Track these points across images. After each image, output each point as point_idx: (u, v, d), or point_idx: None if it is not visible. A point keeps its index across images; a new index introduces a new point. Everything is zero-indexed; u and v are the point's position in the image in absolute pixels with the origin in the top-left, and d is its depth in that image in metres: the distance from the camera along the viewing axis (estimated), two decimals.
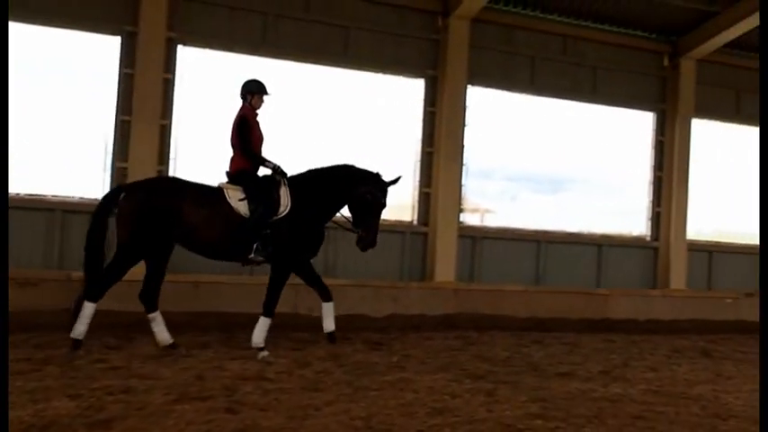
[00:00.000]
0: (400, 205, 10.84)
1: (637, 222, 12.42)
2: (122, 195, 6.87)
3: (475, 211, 11.50)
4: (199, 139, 9.70)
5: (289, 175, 7.23)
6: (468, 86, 10.88)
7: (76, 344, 6.49)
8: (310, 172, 7.38)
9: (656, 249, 12.27)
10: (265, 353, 6.84)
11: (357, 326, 8.83)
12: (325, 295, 7.44)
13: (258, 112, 7.38)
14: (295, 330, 8.03)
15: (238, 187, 7.05)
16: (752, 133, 12.99)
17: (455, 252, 10.65)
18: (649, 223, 12.38)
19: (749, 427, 5.19)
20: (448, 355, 7.45)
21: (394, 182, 7.31)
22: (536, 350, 8.15)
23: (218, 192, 7.03)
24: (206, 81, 9.87)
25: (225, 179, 7.20)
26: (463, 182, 10.94)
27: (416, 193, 10.92)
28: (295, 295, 8.20)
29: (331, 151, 10.42)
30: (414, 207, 10.93)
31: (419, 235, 10.82)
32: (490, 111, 11.33)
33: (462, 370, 6.72)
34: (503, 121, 11.46)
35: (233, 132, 7.24)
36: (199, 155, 9.63)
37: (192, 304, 8.34)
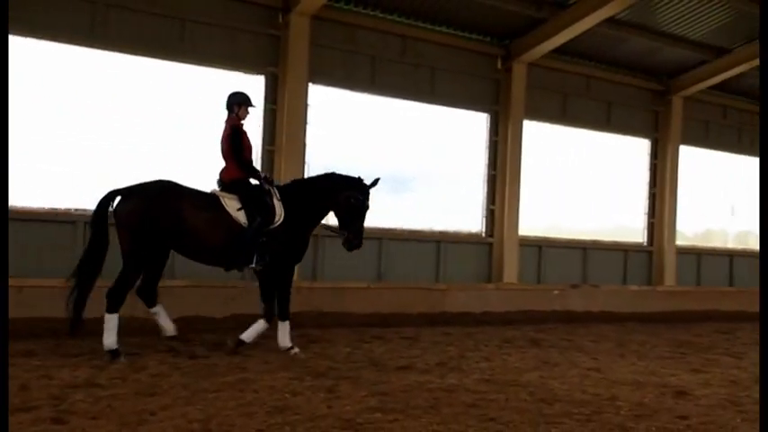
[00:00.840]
0: None
1: (473, 219, 12.92)
2: (118, 200, 6.96)
3: None
4: None
5: (276, 185, 7.65)
6: (310, 84, 10.82)
7: (115, 353, 6.64)
8: (297, 182, 8.00)
9: (490, 245, 12.84)
10: (296, 349, 7.42)
11: (196, 327, 8.52)
12: (281, 313, 7.56)
13: (243, 122, 7.60)
14: (131, 335, 7.60)
15: (234, 196, 7.30)
16: (577, 134, 13.95)
17: None
18: (484, 220, 12.92)
19: (572, 410, 5.52)
20: (289, 354, 7.36)
21: (374, 184, 7.71)
22: (377, 345, 8.24)
23: (214, 199, 7.27)
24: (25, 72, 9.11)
25: (216, 187, 7.49)
26: None
27: None
28: (131, 299, 7.74)
29: (166, 148, 10.03)
30: None
31: None
32: (332, 110, 11.34)
33: (304, 368, 6.65)
34: (345, 120, 11.50)
35: (224, 143, 7.49)
36: None
37: (14, 310, 7.61)
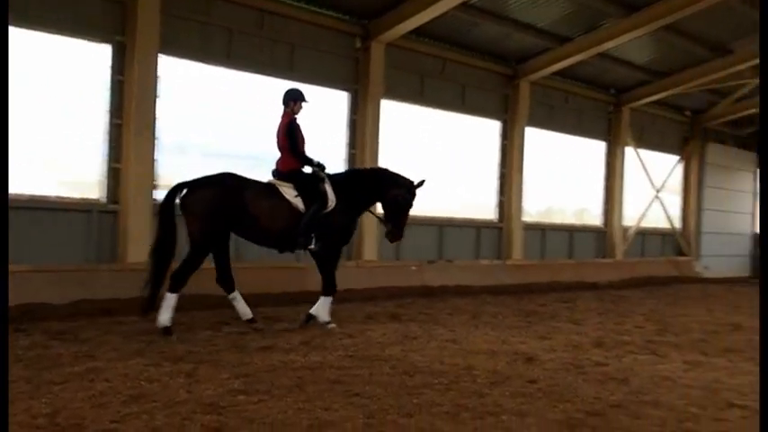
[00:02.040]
0: (84, 182, 9.95)
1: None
2: (185, 192, 7.64)
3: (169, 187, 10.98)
4: None
5: (329, 173, 8.27)
6: (161, 55, 10.28)
7: (167, 330, 7.28)
8: (349, 172, 8.99)
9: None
10: (333, 324, 8.18)
11: (37, 315, 7.93)
12: (326, 290, 8.35)
13: (298, 116, 8.32)
14: None
15: (290, 184, 8.04)
16: (434, 114, 14.29)
17: (150, 231, 10.04)
18: None
19: (432, 380, 5.72)
20: (144, 340, 7.02)
21: (421, 185, 8.48)
22: (237, 326, 8.07)
23: (273, 188, 8.02)
24: None
25: (272, 177, 8.21)
26: (156, 157, 10.33)
27: (104, 168, 10.07)
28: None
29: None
30: (101, 184, 10.08)
31: (108, 214, 10.01)
32: (186, 83, 10.86)
33: (160, 353, 6.39)
34: (200, 94, 11.07)
35: (281, 136, 8.22)
36: None
37: None
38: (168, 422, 4.37)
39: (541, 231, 16.84)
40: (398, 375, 5.88)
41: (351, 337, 7.69)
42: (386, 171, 8.62)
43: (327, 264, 8.31)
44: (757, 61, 16.29)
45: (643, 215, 19.73)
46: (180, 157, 10.86)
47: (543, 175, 16.84)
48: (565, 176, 17.55)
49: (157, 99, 10.25)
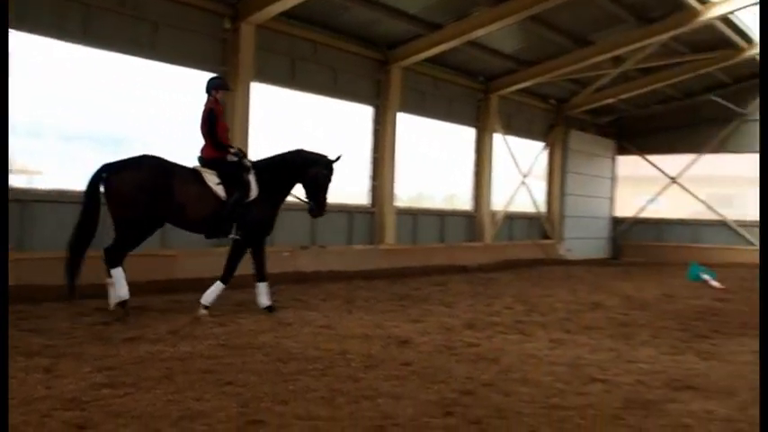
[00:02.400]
0: None
1: None
2: (107, 174, 7.63)
3: (23, 172, 10.23)
4: None
5: (253, 161, 8.45)
6: (12, 30, 9.41)
7: (124, 304, 7.61)
8: (268, 159, 8.68)
9: None
10: (205, 312, 8.10)
11: None
12: (260, 276, 8.62)
13: (221, 104, 8.52)
14: None
15: (213, 171, 8.14)
16: (306, 98, 14.13)
17: None
18: None
19: (307, 366, 5.70)
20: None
21: (337, 159, 8.59)
22: (101, 317, 7.66)
23: (198, 173, 8.12)
24: None
25: (197, 163, 8.29)
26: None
27: None
28: None
29: None
30: None
31: None
32: (39, 60, 10.11)
33: (12, 348, 5.92)
34: (53, 73, 10.34)
35: (203, 123, 8.29)
36: None
37: None
38: (26, 420, 4.09)
39: (413, 216, 17.14)
40: (272, 362, 5.79)
41: (222, 326, 7.49)
42: (302, 151, 8.71)
43: (254, 251, 8.58)
44: (616, 53, 17.39)
45: (511, 200, 20.53)
46: (34, 141, 10.15)
47: (415, 160, 17.12)
48: (436, 162, 17.94)
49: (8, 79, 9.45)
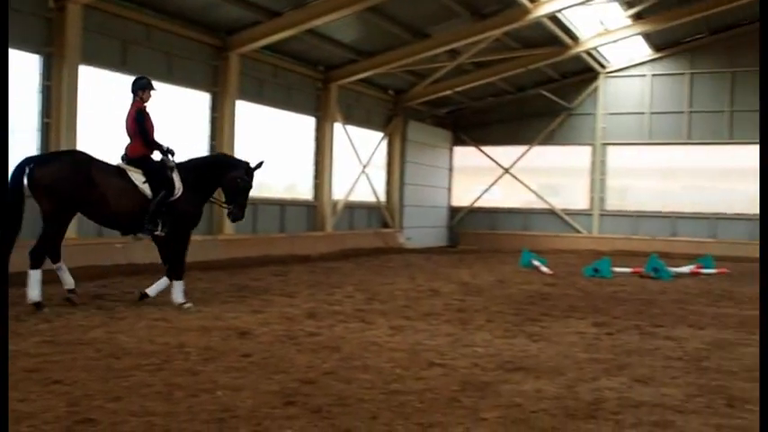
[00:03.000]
0: None
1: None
2: (32, 166, 7.76)
3: None
4: None
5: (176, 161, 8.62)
6: None
7: (39, 305, 7.64)
8: (192, 160, 9.01)
9: None
10: (189, 304, 8.41)
11: None
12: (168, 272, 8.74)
13: (147, 104, 8.63)
14: None
15: (138, 170, 8.36)
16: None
17: None
18: None
19: (142, 361, 5.55)
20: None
21: (259, 167, 8.93)
22: None
23: (122, 171, 8.33)
24: None
25: (120, 162, 8.50)
26: None
27: None
28: None
29: None
30: None
31: None
32: None
33: None
34: None
35: (130, 123, 8.54)
36: None
37: None
38: None
39: (253, 206, 16.89)
40: (104, 359, 5.58)
41: (48, 322, 7.08)
42: (224, 156, 9.18)
43: (176, 248, 8.70)
44: (451, 46, 18.16)
45: (351, 189, 20.86)
46: None
47: (254, 149, 16.91)
48: (275, 151, 17.82)
49: None
